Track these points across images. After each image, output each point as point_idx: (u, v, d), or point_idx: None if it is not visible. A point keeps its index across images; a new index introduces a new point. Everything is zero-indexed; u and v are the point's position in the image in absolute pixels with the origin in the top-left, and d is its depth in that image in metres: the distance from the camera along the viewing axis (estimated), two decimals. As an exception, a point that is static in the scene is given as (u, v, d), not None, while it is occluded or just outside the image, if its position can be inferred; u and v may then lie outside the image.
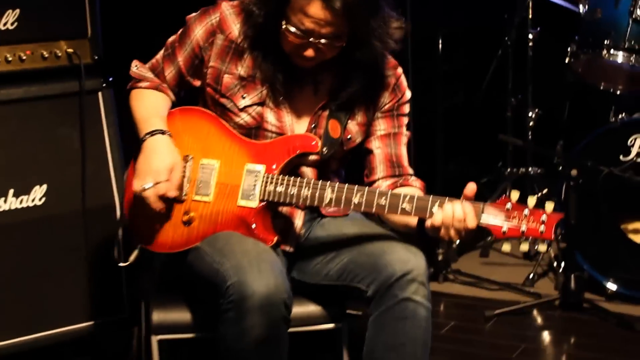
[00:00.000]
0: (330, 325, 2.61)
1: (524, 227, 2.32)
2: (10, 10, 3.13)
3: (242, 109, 2.56)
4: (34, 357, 3.28)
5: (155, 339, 2.58)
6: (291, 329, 2.48)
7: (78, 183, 3.25)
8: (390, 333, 2.40)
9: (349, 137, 2.60)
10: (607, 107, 4.01)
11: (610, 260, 3.80)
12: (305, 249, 2.60)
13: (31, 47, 3.19)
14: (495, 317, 3.67)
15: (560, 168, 3.74)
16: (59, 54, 3.24)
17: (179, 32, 2.67)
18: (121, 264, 2.67)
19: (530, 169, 4.33)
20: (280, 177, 2.48)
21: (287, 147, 2.52)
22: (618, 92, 4.11)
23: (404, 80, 2.65)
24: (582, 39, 4.01)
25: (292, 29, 2.40)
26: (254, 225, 2.47)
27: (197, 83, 2.65)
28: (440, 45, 4.26)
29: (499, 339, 3.56)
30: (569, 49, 4.05)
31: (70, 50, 3.24)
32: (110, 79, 3.29)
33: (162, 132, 2.54)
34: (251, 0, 2.51)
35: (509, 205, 2.32)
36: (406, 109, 2.66)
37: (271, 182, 2.47)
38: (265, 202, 2.48)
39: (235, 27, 2.56)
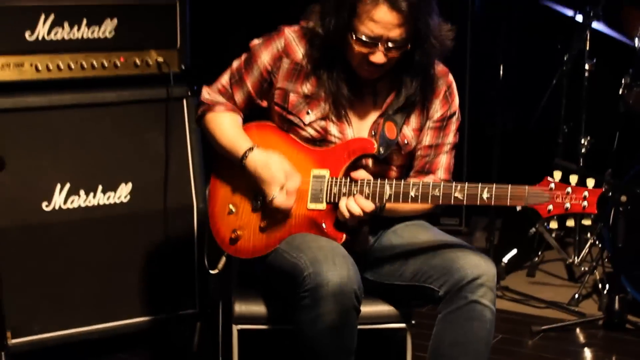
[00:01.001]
0: (401, 325, 2.81)
1: (567, 204, 2.49)
2: (108, 19, 3.38)
3: (308, 124, 2.77)
4: (110, 344, 3.53)
5: (235, 329, 2.79)
6: (363, 326, 2.69)
7: (161, 183, 3.49)
8: (458, 331, 2.59)
9: (405, 141, 2.78)
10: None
11: (653, 285, 3.95)
12: (379, 252, 2.80)
13: (125, 54, 3.43)
14: (542, 332, 3.83)
15: (610, 194, 3.91)
16: (150, 63, 3.48)
17: (244, 58, 2.84)
18: (212, 272, 2.89)
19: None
20: (344, 179, 2.69)
21: (348, 151, 2.72)
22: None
23: (455, 89, 2.83)
24: (636, 72, 4.20)
25: (363, 37, 2.58)
26: (324, 225, 2.68)
27: (265, 104, 2.86)
28: (501, 71, 4.46)
29: (544, 352, 3.72)
30: (622, 81, 4.24)
31: (160, 59, 3.49)
32: (195, 88, 3.54)
33: (252, 149, 2.75)
34: (314, 21, 2.70)
35: (552, 185, 2.50)
36: (454, 119, 2.84)
37: (336, 185, 2.68)
38: (332, 204, 2.69)
39: (299, 50, 2.75)
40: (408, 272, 2.72)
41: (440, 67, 2.82)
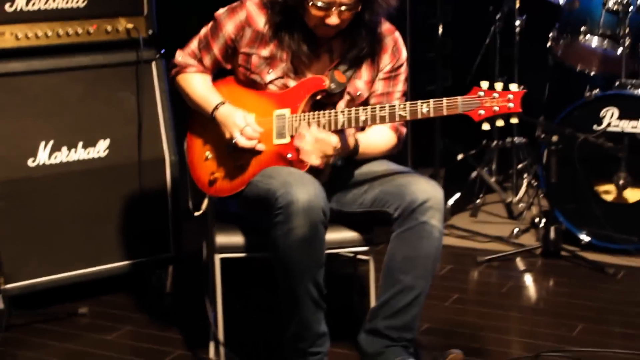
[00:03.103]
0: (364, 248, 3.18)
1: (496, 107, 2.81)
2: (81, -11, 3.69)
3: (269, 82, 3.12)
4: (94, 288, 3.84)
5: (218, 257, 3.14)
6: (331, 251, 3.07)
7: (135, 139, 3.80)
8: (409, 247, 2.95)
9: (358, 93, 3.12)
10: (582, 85, 4.55)
11: (584, 216, 4.32)
12: (342, 183, 3.15)
13: (97, 22, 3.72)
14: (485, 262, 4.23)
15: (542, 136, 4.30)
16: (120, 29, 3.77)
17: (210, 27, 3.18)
18: (196, 213, 3.22)
19: (515, 138, 4.94)
20: (302, 114, 3.03)
21: (303, 89, 3.06)
22: (592, 73, 4.73)
23: (401, 43, 3.19)
24: (562, 26, 4.60)
25: (318, 3, 2.91)
26: (289, 155, 3.01)
27: (229, 66, 3.21)
28: (440, 33, 4.84)
29: (489, 278, 4.13)
30: (550, 35, 4.66)
31: (129, 25, 3.78)
32: (163, 51, 3.84)
33: (222, 103, 3.12)
34: None
35: (481, 93, 2.83)
36: (402, 69, 3.19)
37: (296, 120, 3.02)
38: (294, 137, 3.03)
39: (260, 20, 3.09)
40: (367, 200, 3.08)
41: (387, 26, 3.17)
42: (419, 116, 2.91)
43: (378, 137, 3.13)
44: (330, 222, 2.98)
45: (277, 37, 3.08)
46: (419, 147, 5.00)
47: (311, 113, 3.02)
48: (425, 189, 2.96)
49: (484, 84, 2.86)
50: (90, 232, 3.75)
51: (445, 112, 2.88)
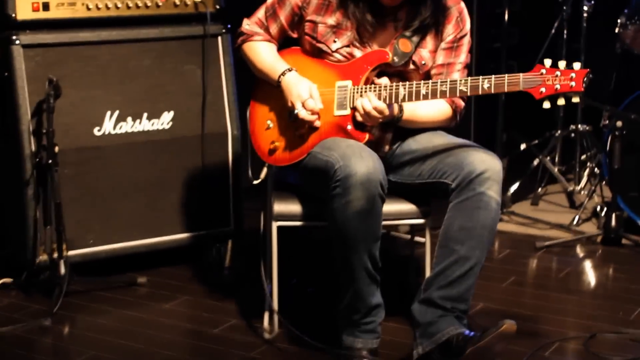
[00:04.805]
0: (421, 221, 3.19)
1: (557, 85, 2.80)
2: (151, -37, 3.76)
3: (335, 50, 3.14)
4: (154, 259, 3.90)
5: (275, 225, 3.17)
6: (388, 222, 3.09)
7: (199, 112, 3.85)
8: (466, 217, 2.94)
9: (422, 62, 3.14)
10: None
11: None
12: (400, 156, 3.16)
13: (166, -5, 3.82)
14: (545, 248, 4.19)
15: (607, 122, 4.26)
16: (188, 3, 3.84)
17: None
18: (255, 182, 3.26)
19: (579, 125, 4.90)
20: (364, 86, 3.04)
21: (366, 62, 3.08)
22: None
23: (466, 14, 3.18)
24: (631, 11, 4.55)
25: None
26: (349, 127, 3.04)
27: (295, 35, 3.25)
28: (506, 19, 4.82)
29: (548, 263, 4.10)
30: (619, 21, 4.60)
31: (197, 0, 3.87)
32: (230, 26, 3.89)
33: (290, 69, 3.14)
34: None
35: (543, 70, 2.82)
36: (465, 41, 3.18)
37: (357, 92, 3.04)
38: (355, 109, 3.05)
39: None
40: (426, 171, 3.08)
41: None
42: (480, 92, 2.91)
43: (429, 107, 3.13)
44: (388, 194, 2.99)
45: (343, 5, 3.10)
46: (481, 139, 4.98)
47: (373, 85, 3.04)
48: (484, 160, 2.96)
49: (547, 62, 2.85)
50: (152, 203, 3.81)
51: (506, 89, 2.87)
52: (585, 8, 4.76)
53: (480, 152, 3.00)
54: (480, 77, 2.90)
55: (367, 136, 3.04)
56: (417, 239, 3.71)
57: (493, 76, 2.88)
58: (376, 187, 2.86)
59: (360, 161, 2.86)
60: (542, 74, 2.83)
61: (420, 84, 2.97)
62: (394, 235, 4.31)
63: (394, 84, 3.01)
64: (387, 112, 2.99)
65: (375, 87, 3.03)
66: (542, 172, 4.95)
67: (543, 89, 2.82)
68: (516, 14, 5.15)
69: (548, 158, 4.95)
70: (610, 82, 4.93)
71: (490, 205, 2.94)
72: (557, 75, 2.82)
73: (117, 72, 3.72)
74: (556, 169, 4.96)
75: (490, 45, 5.23)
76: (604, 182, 4.59)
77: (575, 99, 2.85)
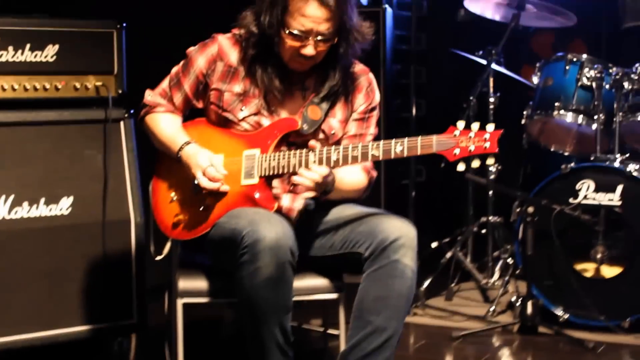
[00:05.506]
0: (334, 295, 3.06)
1: (472, 147, 2.73)
2: (50, 45, 3.62)
3: (242, 119, 3.05)
4: (51, 354, 3.65)
5: (180, 302, 3.00)
6: (300, 298, 2.95)
7: (100, 198, 3.68)
8: (381, 287, 2.83)
9: (332, 132, 3.07)
10: (558, 167, 4.49)
11: (562, 292, 4.20)
12: (311, 229, 3.05)
13: (66, 78, 3.66)
14: (461, 337, 4.07)
15: (518, 210, 4.23)
16: (89, 87, 3.71)
17: (181, 64, 3.15)
18: (157, 258, 3.10)
19: (491, 217, 4.86)
20: (272, 154, 2.94)
21: (274, 130, 3.00)
22: (567, 153, 4.71)
23: (375, 85, 3.15)
24: (536, 103, 4.60)
25: (295, 32, 2.88)
26: (257, 195, 2.92)
27: (201, 105, 3.15)
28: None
29: (466, 351, 3.97)
30: (524, 112, 4.64)
31: (98, 83, 3.73)
32: (132, 111, 3.78)
33: (188, 142, 3.04)
34: (249, 22, 2.99)
35: (456, 132, 2.74)
36: (375, 113, 3.14)
37: (265, 160, 2.94)
38: (264, 177, 2.94)
39: (232, 54, 3.05)
40: (337, 242, 2.97)
41: (361, 67, 3.13)
42: (392, 155, 2.83)
43: (350, 177, 3.06)
44: (299, 269, 2.87)
45: (250, 72, 3.03)
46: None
47: (281, 152, 2.94)
48: (398, 227, 2.86)
49: (460, 124, 2.79)
50: (49, 293, 3.58)
51: (419, 152, 2.80)
52: (491, 100, 4.78)
53: (393, 219, 2.91)
54: (393, 140, 2.82)
55: (275, 205, 2.92)
56: (330, 331, 3.56)
57: (406, 139, 2.81)
58: (286, 253, 2.73)
59: (269, 226, 2.74)
60: (455, 135, 2.77)
61: (330, 149, 2.88)
62: (307, 328, 4.15)
63: (304, 150, 2.91)
64: (328, 176, 2.88)
65: (284, 155, 2.92)
66: (455, 268, 4.86)
67: (457, 151, 2.75)
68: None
69: (460, 253, 4.87)
70: (519, 176, 4.94)
71: (406, 273, 2.83)
72: (470, 137, 2.76)
73: (14, 155, 3.53)
74: (468, 262, 4.89)
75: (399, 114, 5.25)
76: (517, 277, 4.51)
77: (490, 160, 2.78)
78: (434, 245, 4.98)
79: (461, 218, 5.11)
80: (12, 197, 3.51)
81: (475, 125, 2.77)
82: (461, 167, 2.79)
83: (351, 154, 2.85)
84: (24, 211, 3.54)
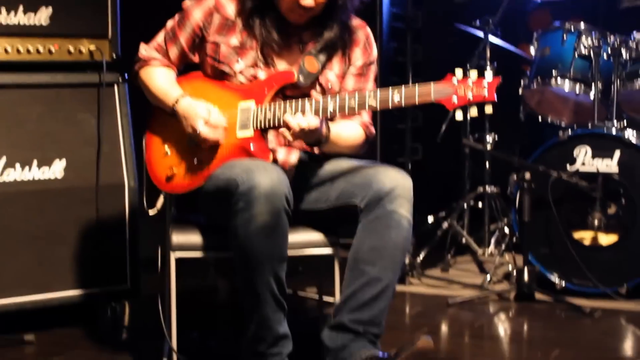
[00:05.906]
0: (328, 250, 3.02)
1: (470, 95, 2.69)
2: (44, 7, 3.58)
3: (239, 72, 3.00)
4: (44, 317, 3.62)
5: (173, 256, 2.97)
6: (295, 252, 2.92)
7: (93, 162, 3.65)
8: (376, 237, 2.79)
9: (329, 85, 3.03)
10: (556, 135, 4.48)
11: (559, 259, 4.18)
12: (306, 183, 3.01)
13: (59, 41, 3.62)
14: (457, 304, 4.04)
15: (515, 177, 4.20)
16: (83, 50, 3.68)
17: (177, 18, 3.09)
18: (150, 212, 3.06)
19: (487, 187, 4.83)
20: (268, 106, 2.90)
21: (271, 82, 2.96)
22: (564, 124, 4.68)
23: (372, 39, 3.10)
24: (533, 73, 4.57)
25: None
26: (252, 146, 2.87)
27: (197, 59, 3.10)
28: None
29: (462, 317, 3.94)
30: (522, 82, 4.61)
31: (92, 47, 3.70)
32: (127, 76, 3.74)
33: (183, 96, 2.99)
34: None
35: (454, 80, 2.70)
36: (373, 68, 3.10)
37: (261, 112, 2.90)
38: (259, 129, 2.90)
39: (229, 7, 3.01)
40: (333, 194, 2.94)
41: (358, 21, 3.10)
42: (390, 105, 2.79)
43: (347, 131, 3.02)
44: (295, 223, 2.84)
45: (247, 24, 2.99)
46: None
47: (277, 103, 2.90)
48: (394, 177, 2.83)
49: (458, 72, 2.74)
50: (41, 256, 3.55)
51: (417, 100, 2.76)
52: (488, 68, 4.74)
53: (389, 170, 2.88)
54: (390, 87, 2.78)
55: (271, 156, 2.89)
56: (326, 298, 3.53)
57: (403, 86, 2.77)
58: (281, 200, 2.70)
59: (264, 173, 2.71)
60: (453, 83, 2.73)
61: (327, 99, 2.84)
62: (302, 296, 4.12)
63: (300, 100, 2.88)
64: (319, 127, 2.84)
65: (280, 105, 2.89)
66: (451, 241, 4.83)
67: (455, 99, 2.71)
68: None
69: (457, 225, 4.85)
70: (516, 150, 4.91)
71: (402, 223, 2.80)
72: (469, 85, 2.72)
73: (6, 117, 3.51)
74: (465, 234, 4.86)
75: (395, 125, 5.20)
76: (514, 248, 4.48)
77: (488, 109, 2.74)
78: (430, 220, 4.95)
79: (458, 193, 5.08)
80: (3, 159, 3.49)
81: (473, 73, 2.73)
82: (459, 115, 2.76)
83: (348, 104, 2.82)
84: (16, 174, 3.51)
